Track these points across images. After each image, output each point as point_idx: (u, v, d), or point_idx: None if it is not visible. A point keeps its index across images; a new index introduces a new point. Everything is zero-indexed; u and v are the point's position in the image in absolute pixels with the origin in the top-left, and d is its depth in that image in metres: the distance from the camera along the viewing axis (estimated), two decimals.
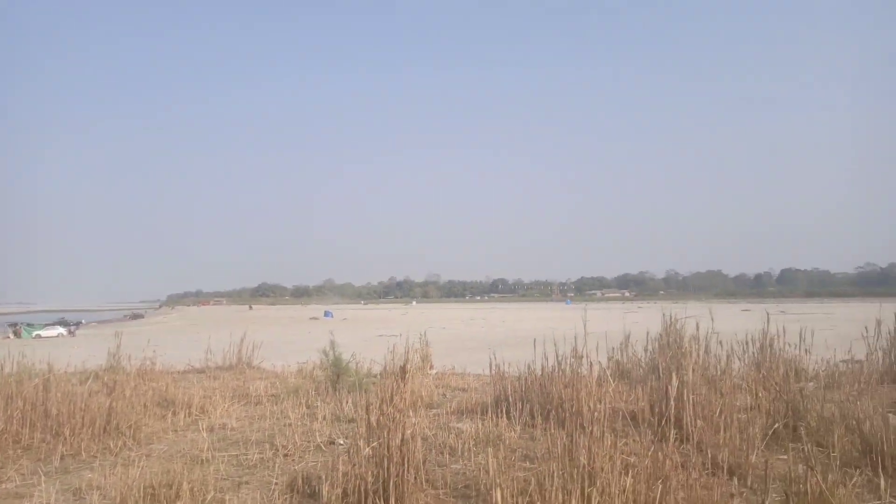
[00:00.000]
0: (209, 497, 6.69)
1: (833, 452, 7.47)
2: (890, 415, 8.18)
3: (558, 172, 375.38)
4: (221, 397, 12.04)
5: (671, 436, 6.96)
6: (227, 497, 6.84)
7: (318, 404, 11.10)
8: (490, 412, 8.81)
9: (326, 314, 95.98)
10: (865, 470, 7.08)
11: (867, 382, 10.80)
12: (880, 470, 6.96)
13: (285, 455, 8.24)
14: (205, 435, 9.35)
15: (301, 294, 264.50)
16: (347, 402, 10.86)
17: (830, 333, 24.08)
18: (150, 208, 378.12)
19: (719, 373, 9.03)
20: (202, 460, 8.11)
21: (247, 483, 7.37)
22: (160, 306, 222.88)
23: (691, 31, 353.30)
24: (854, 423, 7.72)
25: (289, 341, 39.46)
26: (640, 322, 25.72)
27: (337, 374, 12.37)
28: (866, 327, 12.16)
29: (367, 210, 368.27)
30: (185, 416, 10.66)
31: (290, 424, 9.74)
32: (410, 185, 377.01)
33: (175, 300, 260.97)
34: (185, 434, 9.65)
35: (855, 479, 6.65)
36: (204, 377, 15.67)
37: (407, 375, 7.07)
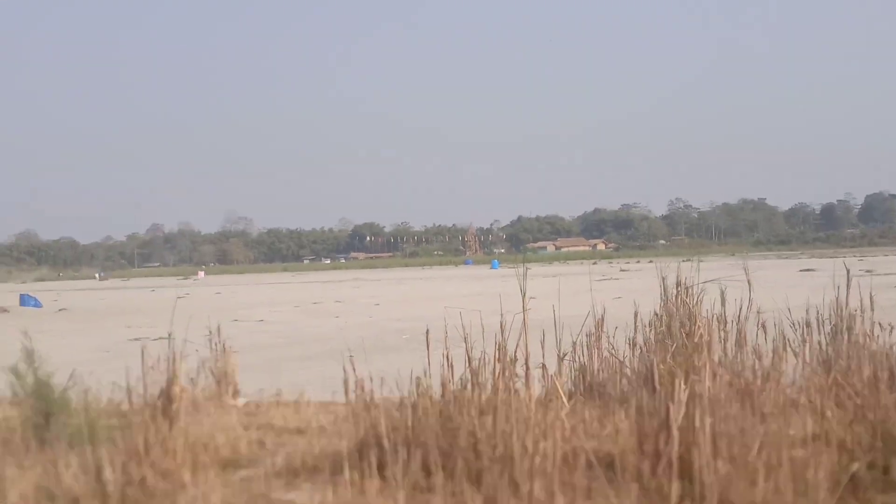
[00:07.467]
0: None
1: None
2: None
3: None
4: None
5: (674, 493, 3.88)
6: None
7: (11, 472, 5.29)
8: (349, 469, 4.70)
9: (26, 300, 46.66)
10: None
11: None
12: None
13: None
14: None
15: None
16: (69, 464, 5.13)
17: None
18: None
19: (759, 379, 5.64)
20: None
21: None
22: None
23: None
24: None
25: None
26: (626, 295, 19.19)
27: (46, 413, 6.45)
28: None
29: None
30: None
31: None
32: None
33: None
34: None
35: None
36: None
37: (175, 407, 3.96)
